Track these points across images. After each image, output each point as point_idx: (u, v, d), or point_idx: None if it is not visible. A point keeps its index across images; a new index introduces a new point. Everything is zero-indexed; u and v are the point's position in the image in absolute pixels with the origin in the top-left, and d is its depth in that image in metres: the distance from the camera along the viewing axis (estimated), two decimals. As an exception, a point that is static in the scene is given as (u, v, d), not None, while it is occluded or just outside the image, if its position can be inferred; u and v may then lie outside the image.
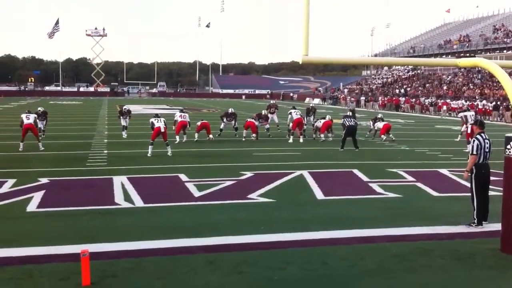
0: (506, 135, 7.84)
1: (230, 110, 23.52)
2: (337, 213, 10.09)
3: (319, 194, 11.55)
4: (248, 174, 13.72)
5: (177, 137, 20.56)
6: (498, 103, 42.79)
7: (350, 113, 23.45)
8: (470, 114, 20.10)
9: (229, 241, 8.08)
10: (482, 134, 8.99)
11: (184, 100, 76.99)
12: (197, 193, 11.39)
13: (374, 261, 7.28)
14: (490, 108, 43.39)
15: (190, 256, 7.37)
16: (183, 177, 13.17)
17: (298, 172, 14.01)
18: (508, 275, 6.88)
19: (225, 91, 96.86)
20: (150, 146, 17.20)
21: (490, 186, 12.04)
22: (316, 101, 72.44)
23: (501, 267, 7.15)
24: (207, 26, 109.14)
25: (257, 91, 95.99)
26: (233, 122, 23.20)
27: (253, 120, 22.37)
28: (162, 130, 17.16)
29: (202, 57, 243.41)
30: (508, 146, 7.69)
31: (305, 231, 8.63)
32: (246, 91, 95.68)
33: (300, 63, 8.76)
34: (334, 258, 7.39)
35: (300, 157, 17.35)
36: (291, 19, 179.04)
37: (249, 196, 11.18)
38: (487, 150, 8.84)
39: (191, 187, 12.02)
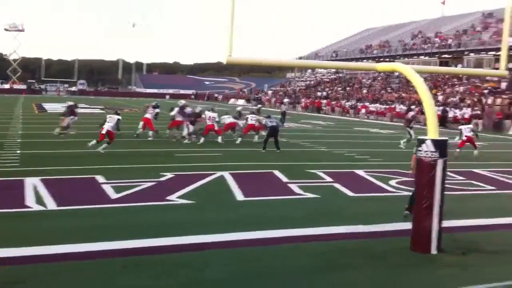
0: (418, 137, 8.14)
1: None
2: (257, 214, 10.12)
3: (239, 195, 11.54)
4: (169, 175, 13.50)
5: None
6: (412, 106, 44.59)
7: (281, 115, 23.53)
8: (466, 127, 20.92)
9: (146, 244, 7.88)
10: None
11: (105, 99, 74.99)
12: (114, 195, 11.05)
13: (293, 261, 7.36)
14: (404, 111, 45.15)
15: (106, 260, 7.15)
16: (100, 178, 12.75)
17: (219, 173, 13.94)
18: (417, 273, 7.13)
19: (148, 90, 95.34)
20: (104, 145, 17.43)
21: (404, 187, 12.56)
22: (241, 102, 72.76)
23: (411, 265, 7.42)
24: (133, 26, 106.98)
25: (182, 91, 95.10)
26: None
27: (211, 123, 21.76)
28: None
29: (126, 55, 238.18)
30: (420, 148, 7.98)
31: (225, 233, 8.57)
32: (171, 91, 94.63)
33: (224, 63, 8.76)
34: (253, 259, 7.41)
35: (222, 158, 17.30)
36: (217, 19, 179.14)
37: (168, 197, 10.98)
38: None
39: (108, 188, 11.65)
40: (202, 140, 21.15)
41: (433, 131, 7.95)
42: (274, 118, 20.59)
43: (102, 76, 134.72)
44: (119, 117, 18.51)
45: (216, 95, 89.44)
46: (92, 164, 14.95)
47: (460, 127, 21.16)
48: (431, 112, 8.09)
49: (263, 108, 39.52)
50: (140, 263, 7.03)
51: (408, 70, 8.58)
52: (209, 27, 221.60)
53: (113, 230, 8.52)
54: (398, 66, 8.99)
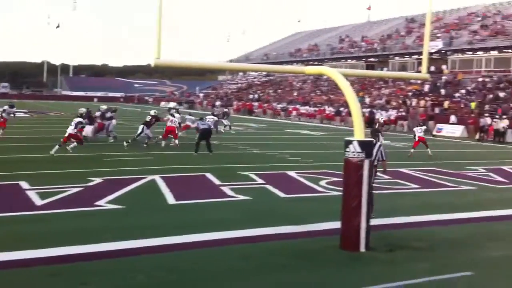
0: (345, 138, 8.34)
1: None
2: (189, 217, 10.04)
3: (170, 199, 11.41)
4: (97, 180, 13.15)
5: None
6: (341, 109, 45.72)
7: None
8: (418, 128, 22.35)
9: (73, 251, 7.64)
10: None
11: (30, 102, 72.16)
12: (39, 202, 10.64)
13: (224, 264, 7.36)
14: (333, 113, 46.28)
15: (30, 269, 6.87)
16: (24, 184, 12.24)
17: (150, 177, 13.72)
18: (346, 271, 7.29)
19: (76, 93, 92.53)
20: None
21: (333, 187, 12.83)
22: (172, 105, 71.97)
23: (341, 263, 7.58)
24: (57, 27, 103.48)
25: (111, 94, 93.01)
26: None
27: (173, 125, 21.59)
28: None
29: (51, 57, 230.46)
30: (347, 149, 8.17)
31: (155, 237, 8.44)
32: (99, 93, 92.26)
33: (152, 66, 8.63)
34: (184, 263, 7.34)
35: (153, 161, 17.05)
36: (146, 22, 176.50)
37: (97, 203, 10.69)
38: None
39: (32, 195, 11.19)
40: (163, 143, 21.38)
41: (359, 132, 8.16)
42: (208, 120, 20.58)
43: (27, 79, 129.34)
44: (80, 119, 19.39)
45: (146, 98, 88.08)
46: (15, 170, 14.33)
47: (414, 128, 22.82)
48: (357, 114, 8.31)
49: (194, 111, 39.44)
50: (69, 271, 6.81)
51: (334, 73, 8.78)
52: (138, 29, 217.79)
53: (39, 238, 8.20)
54: (325, 70, 9.18)
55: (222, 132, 28.41)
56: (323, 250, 8.11)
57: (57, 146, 17.73)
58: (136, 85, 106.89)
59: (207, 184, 13.46)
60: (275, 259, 7.64)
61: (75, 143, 18.44)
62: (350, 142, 8.14)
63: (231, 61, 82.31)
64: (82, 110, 21.88)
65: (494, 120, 32.80)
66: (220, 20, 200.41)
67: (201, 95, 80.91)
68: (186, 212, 10.48)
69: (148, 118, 21.74)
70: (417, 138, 21.42)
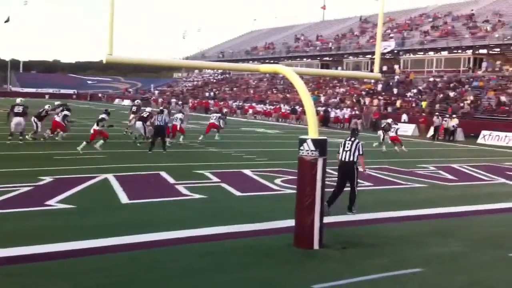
0: (300, 137, 8.39)
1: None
2: (142, 216, 9.90)
3: (123, 198, 11.22)
4: (47, 179, 12.81)
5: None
6: (297, 107, 46.06)
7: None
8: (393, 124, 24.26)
9: (23, 252, 7.42)
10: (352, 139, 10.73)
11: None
12: (-14, 201, 10.29)
13: (181, 263, 7.31)
14: (288, 111, 46.58)
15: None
16: (-30, 184, 11.82)
17: (102, 176, 13.47)
18: (300, 268, 7.33)
19: (26, 90, 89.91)
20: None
21: (289, 185, 12.91)
22: (126, 102, 71.02)
23: (294, 261, 7.63)
24: (6, 21, 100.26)
25: (63, 91, 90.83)
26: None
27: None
28: None
29: (0, 53, 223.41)
30: (301, 147, 8.23)
31: (108, 237, 8.29)
32: (51, 90, 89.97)
33: (104, 62, 8.50)
34: (139, 262, 7.25)
35: (106, 160, 16.74)
36: (99, 17, 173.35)
37: (47, 202, 10.42)
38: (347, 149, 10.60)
39: (-21, 195, 10.82)
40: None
41: (313, 131, 8.23)
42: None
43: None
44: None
45: (100, 94, 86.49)
46: (-39, 169, 13.83)
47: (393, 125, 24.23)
48: (311, 112, 8.37)
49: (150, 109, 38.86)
50: (14, 272, 6.61)
51: (289, 72, 8.82)
52: (91, 24, 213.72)
53: (-15, 240, 7.93)
54: (279, 68, 9.22)
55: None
56: (277, 248, 8.15)
57: (84, 143, 17.93)
58: (89, 82, 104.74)
59: (161, 182, 13.32)
60: (231, 257, 7.64)
61: (101, 140, 18.54)
62: (304, 140, 8.20)
63: (186, 58, 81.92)
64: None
65: (445, 119, 33.71)
66: (176, 17, 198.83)
67: (156, 92, 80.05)
68: (140, 211, 10.33)
69: (145, 114, 21.53)
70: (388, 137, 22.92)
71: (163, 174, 14.31)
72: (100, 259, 7.32)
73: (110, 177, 13.40)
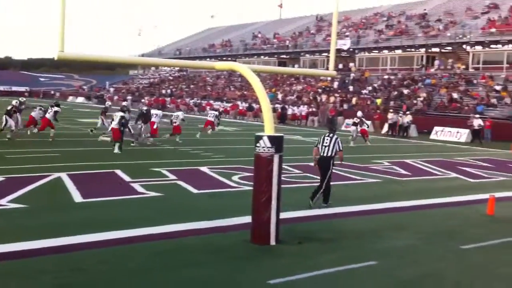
0: (256, 134, 8.40)
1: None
2: (96, 215, 9.72)
3: (77, 197, 11.00)
4: (-2, 178, 12.44)
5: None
6: (254, 104, 46.15)
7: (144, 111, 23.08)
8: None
9: (-30, 254, 7.18)
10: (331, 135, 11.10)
11: None
12: None
13: (134, 262, 7.22)
14: (246, 109, 46.62)
15: None
16: None
17: (56, 175, 13.17)
18: (255, 264, 7.36)
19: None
20: None
21: (246, 182, 12.92)
22: (80, 99, 69.69)
23: (251, 257, 7.65)
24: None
25: (14, 88, 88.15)
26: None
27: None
28: None
29: None
30: (258, 144, 8.24)
31: (60, 236, 8.11)
32: (2, 87, 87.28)
33: (56, 59, 8.28)
34: (92, 262, 7.11)
35: (60, 158, 16.37)
36: (52, 12, 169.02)
37: (-2, 202, 10.12)
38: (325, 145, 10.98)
39: None
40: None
41: (269, 127, 8.26)
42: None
43: None
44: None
45: (52, 92, 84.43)
46: None
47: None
48: (267, 109, 8.40)
49: (104, 106, 38.25)
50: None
51: (245, 69, 8.83)
52: (44, 20, 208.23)
53: None
54: (235, 66, 9.21)
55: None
56: (234, 245, 8.15)
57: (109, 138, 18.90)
58: (42, 79, 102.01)
59: (116, 181, 13.11)
60: (186, 255, 7.59)
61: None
62: (260, 137, 8.22)
63: (142, 55, 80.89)
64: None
65: (400, 115, 34.42)
66: (132, 13, 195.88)
67: (111, 90, 78.72)
68: (94, 210, 10.14)
69: (144, 110, 22.45)
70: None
71: (119, 172, 14.10)
72: (51, 259, 7.15)
73: (64, 176, 13.11)
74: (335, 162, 11.17)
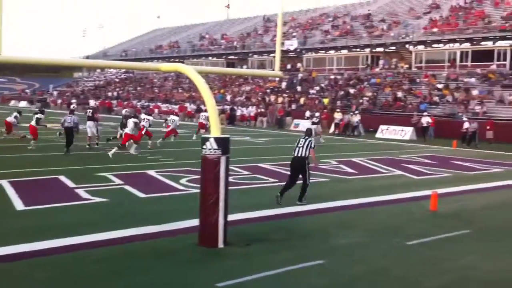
0: (202, 136, 8.33)
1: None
2: (39, 223, 9.42)
3: (19, 205, 10.61)
4: None
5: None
6: (202, 106, 45.88)
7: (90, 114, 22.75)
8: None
9: None
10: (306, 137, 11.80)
11: None
12: None
13: (79, 270, 7.04)
14: (194, 111, 46.31)
15: None
16: None
17: (-5, 182, 12.69)
18: (203, 267, 7.29)
19: None
20: None
21: (194, 185, 12.80)
22: (23, 104, 67.55)
23: (199, 260, 7.57)
24: None
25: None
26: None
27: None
28: None
29: None
30: (204, 146, 8.17)
31: (1, 246, 7.79)
32: None
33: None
34: (34, 271, 6.89)
35: (0, 165, 15.77)
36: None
37: None
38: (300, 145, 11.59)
39: None
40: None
41: (215, 129, 8.20)
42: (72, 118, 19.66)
43: None
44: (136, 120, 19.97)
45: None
46: None
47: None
48: (213, 111, 8.34)
49: (47, 110, 37.28)
50: None
51: (190, 70, 8.74)
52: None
53: None
54: (180, 67, 9.10)
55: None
56: (181, 248, 8.06)
57: (115, 148, 18.49)
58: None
59: (60, 187, 12.75)
60: (132, 260, 7.45)
61: (134, 144, 19.34)
62: (206, 139, 8.15)
63: (87, 57, 79.20)
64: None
65: (350, 114, 35.04)
66: (76, 13, 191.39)
67: (55, 93, 76.67)
68: (37, 218, 9.82)
69: (90, 113, 22.13)
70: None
71: (62, 178, 13.70)
72: (-9, 271, 6.87)
73: (5, 183, 12.64)
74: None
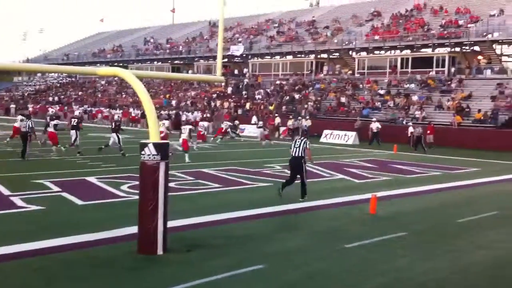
0: (141, 141, 8.20)
1: None
2: (-30, 233, 9.01)
3: None
4: None
5: None
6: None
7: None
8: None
9: None
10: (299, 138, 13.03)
11: None
12: None
13: (12, 280, 6.79)
14: (138, 116, 45.65)
15: None
16: None
17: None
18: (142, 275, 7.15)
19: None
20: None
21: (136, 191, 12.61)
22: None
23: (138, 268, 7.44)
24: None
25: None
26: None
27: None
28: None
29: None
30: (143, 152, 8.05)
31: None
32: None
33: None
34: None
35: None
36: None
37: None
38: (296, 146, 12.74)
39: None
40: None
41: (154, 134, 8.09)
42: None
43: None
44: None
45: None
46: None
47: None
48: (151, 116, 8.22)
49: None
50: None
51: (128, 75, 8.59)
52: None
53: None
54: (118, 71, 8.93)
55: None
56: (120, 256, 7.88)
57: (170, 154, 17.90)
58: None
59: (-5, 195, 12.27)
60: (69, 270, 7.23)
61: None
62: (145, 144, 8.03)
63: (27, 60, 76.88)
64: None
65: (299, 119, 35.48)
66: (16, 16, 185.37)
67: (-7, 97, 73.94)
68: (-33, 227, 9.40)
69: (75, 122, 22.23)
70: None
71: (-3, 185, 13.21)
72: None
73: None
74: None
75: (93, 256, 7.88)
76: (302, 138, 13.02)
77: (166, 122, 24.48)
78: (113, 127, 22.39)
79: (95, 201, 11.96)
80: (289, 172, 13.55)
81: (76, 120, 22.89)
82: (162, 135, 22.64)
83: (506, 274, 7.82)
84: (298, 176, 12.90)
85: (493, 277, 7.63)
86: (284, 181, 13.34)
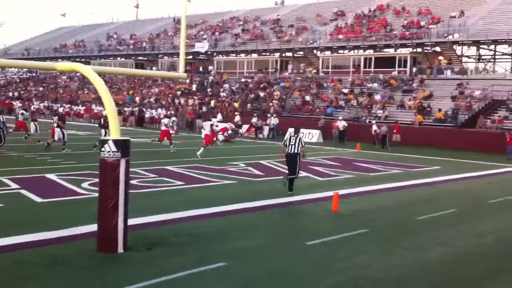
0: (100, 138, 8.06)
1: None
2: None
3: None
4: None
5: None
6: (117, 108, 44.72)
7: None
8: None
9: None
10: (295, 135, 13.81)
11: None
12: None
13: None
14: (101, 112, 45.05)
15: None
16: None
17: None
18: (102, 274, 7.05)
19: None
20: None
21: (95, 188, 12.39)
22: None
23: (97, 267, 7.32)
24: None
25: None
26: None
27: None
28: None
29: None
30: (103, 149, 7.92)
31: None
32: None
33: None
34: None
35: None
36: None
37: None
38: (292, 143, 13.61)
39: None
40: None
41: (114, 131, 7.97)
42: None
43: None
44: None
45: None
46: None
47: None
48: (111, 112, 8.10)
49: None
50: None
51: (87, 70, 8.44)
52: None
53: None
54: (77, 66, 8.77)
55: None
56: (79, 255, 7.74)
57: (202, 149, 20.41)
58: None
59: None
60: (24, 269, 7.06)
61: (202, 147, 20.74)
62: (105, 141, 7.91)
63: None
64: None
65: (271, 118, 35.70)
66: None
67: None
68: None
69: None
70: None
71: (-48, 182, 12.83)
72: None
73: None
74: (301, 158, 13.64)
75: (50, 255, 7.72)
76: (296, 135, 13.73)
77: (166, 120, 24.29)
78: (102, 123, 22.12)
79: (54, 199, 11.74)
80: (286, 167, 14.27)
81: (56, 118, 22.49)
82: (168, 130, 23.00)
83: (465, 269, 7.99)
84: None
85: (452, 272, 7.79)
86: (285, 178, 13.85)
